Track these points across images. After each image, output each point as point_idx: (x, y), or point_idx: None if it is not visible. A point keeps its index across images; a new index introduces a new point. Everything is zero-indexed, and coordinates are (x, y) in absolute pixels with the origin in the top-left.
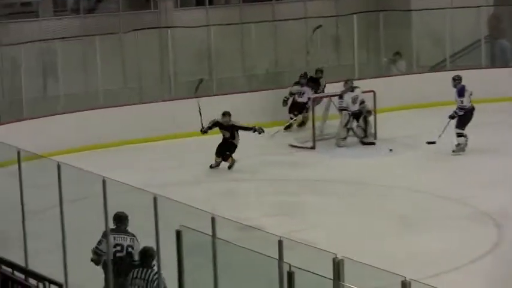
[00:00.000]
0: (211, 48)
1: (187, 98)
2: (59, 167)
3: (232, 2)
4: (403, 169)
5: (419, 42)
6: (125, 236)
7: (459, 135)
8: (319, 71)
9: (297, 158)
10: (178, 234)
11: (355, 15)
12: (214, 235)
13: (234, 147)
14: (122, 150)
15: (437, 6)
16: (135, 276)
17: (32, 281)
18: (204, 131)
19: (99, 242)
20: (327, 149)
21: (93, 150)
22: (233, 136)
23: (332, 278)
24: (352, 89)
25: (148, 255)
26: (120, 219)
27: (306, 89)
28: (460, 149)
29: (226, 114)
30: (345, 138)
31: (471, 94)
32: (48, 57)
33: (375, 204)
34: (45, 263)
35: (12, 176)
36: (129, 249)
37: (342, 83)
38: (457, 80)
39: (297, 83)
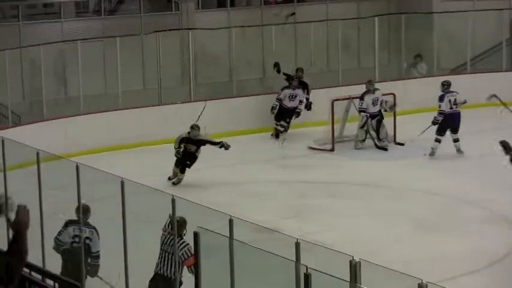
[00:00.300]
0: (232, 50)
1: (208, 100)
2: (77, 168)
3: (253, 3)
4: (421, 172)
5: (440, 45)
6: (85, 229)
7: (435, 139)
8: (300, 69)
9: (315, 161)
10: (196, 235)
11: (376, 18)
12: (231, 237)
13: (194, 158)
14: (141, 152)
15: (459, 9)
16: (165, 242)
17: (49, 282)
18: (178, 155)
19: (60, 233)
20: (346, 152)
21: (113, 152)
22: (197, 150)
23: (349, 280)
24: (374, 90)
25: (179, 225)
26: (83, 212)
27: (298, 91)
28: (431, 153)
29: (195, 127)
30: (363, 141)
31: (455, 100)
32: (68, 58)
33: (392, 206)
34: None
35: (32, 177)
36: (87, 241)
37: (362, 86)
38: (445, 85)
39: (287, 87)
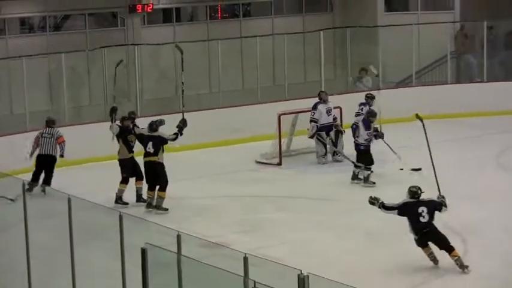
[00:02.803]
0: (178, 65)
1: (154, 116)
2: (23, 185)
3: (199, 19)
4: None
5: (385, 58)
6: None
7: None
8: None
9: (263, 175)
10: (143, 252)
11: (322, 32)
12: (179, 252)
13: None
14: (88, 168)
15: (404, 22)
16: None
17: None
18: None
19: None
20: (294, 166)
21: (60, 168)
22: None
23: None
24: (326, 100)
25: None
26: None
27: None
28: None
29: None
30: (325, 155)
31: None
32: (13, 75)
33: (342, 219)
34: (8, 283)
35: None
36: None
37: (308, 100)
38: (369, 97)
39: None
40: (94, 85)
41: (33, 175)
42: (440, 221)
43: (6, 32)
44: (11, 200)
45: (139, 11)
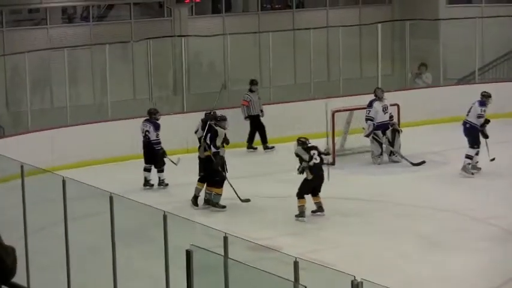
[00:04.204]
0: (227, 58)
1: (201, 111)
2: (64, 182)
3: (250, 9)
4: (428, 187)
5: (446, 54)
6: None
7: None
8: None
9: None
10: (189, 254)
11: (379, 24)
12: (226, 255)
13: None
14: (131, 165)
15: (467, 15)
16: None
17: None
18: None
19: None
20: (348, 165)
21: (101, 165)
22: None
23: None
24: (383, 97)
25: None
26: (152, 113)
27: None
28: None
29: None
30: (380, 155)
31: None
32: (55, 66)
33: (397, 223)
34: (48, 283)
35: (15, 192)
36: (147, 133)
37: (364, 96)
38: (484, 96)
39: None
40: (138, 78)
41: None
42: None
43: (48, 22)
44: (175, 163)
45: (187, 1)
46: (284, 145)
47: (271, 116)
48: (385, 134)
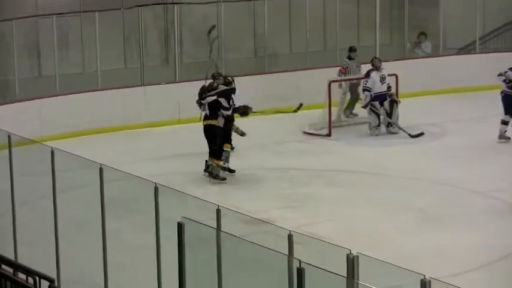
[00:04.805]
0: (221, 26)
1: (194, 81)
2: (52, 153)
3: None
4: (426, 159)
5: (446, 22)
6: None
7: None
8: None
9: (311, 146)
10: (180, 226)
11: None
12: (218, 228)
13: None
14: (122, 136)
15: None
16: None
17: (21, 276)
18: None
19: None
20: (344, 137)
21: (90, 136)
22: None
23: (346, 275)
24: (380, 67)
25: None
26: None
27: None
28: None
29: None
30: (378, 126)
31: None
32: (43, 34)
33: (394, 196)
34: (36, 257)
35: (2, 162)
36: None
37: (361, 66)
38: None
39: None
40: (129, 47)
41: None
42: None
43: None
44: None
45: None
46: (277, 116)
47: (267, 86)
48: (383, 105)
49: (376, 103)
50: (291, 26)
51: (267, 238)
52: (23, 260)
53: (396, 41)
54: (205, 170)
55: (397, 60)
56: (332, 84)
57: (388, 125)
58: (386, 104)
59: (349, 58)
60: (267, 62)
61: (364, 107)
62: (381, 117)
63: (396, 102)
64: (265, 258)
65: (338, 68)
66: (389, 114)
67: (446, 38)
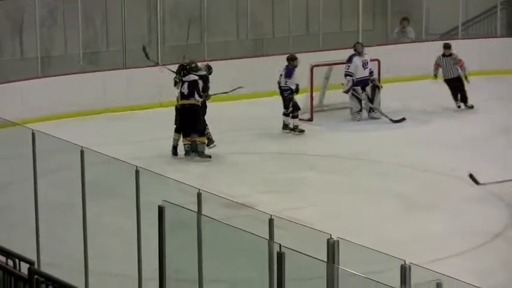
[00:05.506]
0: (204, 8)
1: (176, 64)
2: (33, 135)
3: None
4: (408, 145)
5: (429, 7)
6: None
7: None
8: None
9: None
10: (161, 210)
11: None
12: (199, 212)
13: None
14: (102, 119)
15: None
16: None
17: (1, 258)
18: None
19: None
20: (326, 122)
21: (72, 119)
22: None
23: (326, 260)
24: (363, 53)
25: None
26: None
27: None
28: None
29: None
30: (360, 111)
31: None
32: (25, 15)
33: (376, 182)
34: (16, 239)
35: None
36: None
37: (343, 51)
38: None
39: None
40: (111, 28)
41: None
42: None
43: None
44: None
45: None
46: (254, 101)
47: (247, 71)
48: (365, 90)
49: (358, 88)
50: (274, 10)
51: (248, 222)
52: (2, 243)
53: (379, 26)
54: (186, 154)
55: (380, 45)
56: (314, 68)
57: (370, 110)
58: (368, 89)
59: (444, 55)
60: (250, 45)
61: (346, 91)
62: (363, 102)
63: (378, 87)
64: (245, 243)
65: (320, 53)
66: (371, 100)
67: (429, 23)
